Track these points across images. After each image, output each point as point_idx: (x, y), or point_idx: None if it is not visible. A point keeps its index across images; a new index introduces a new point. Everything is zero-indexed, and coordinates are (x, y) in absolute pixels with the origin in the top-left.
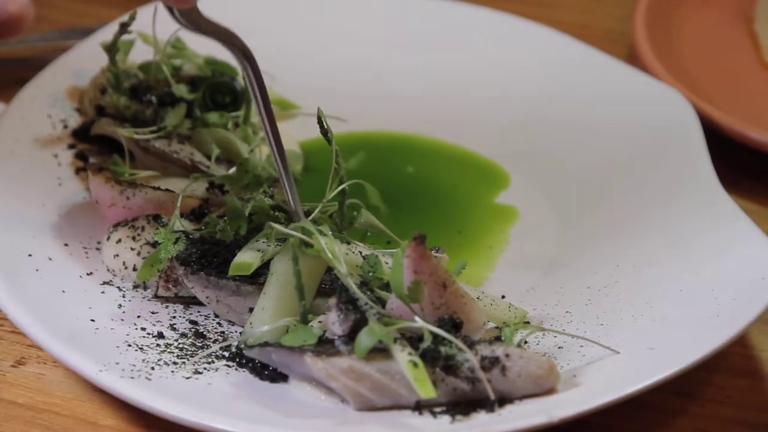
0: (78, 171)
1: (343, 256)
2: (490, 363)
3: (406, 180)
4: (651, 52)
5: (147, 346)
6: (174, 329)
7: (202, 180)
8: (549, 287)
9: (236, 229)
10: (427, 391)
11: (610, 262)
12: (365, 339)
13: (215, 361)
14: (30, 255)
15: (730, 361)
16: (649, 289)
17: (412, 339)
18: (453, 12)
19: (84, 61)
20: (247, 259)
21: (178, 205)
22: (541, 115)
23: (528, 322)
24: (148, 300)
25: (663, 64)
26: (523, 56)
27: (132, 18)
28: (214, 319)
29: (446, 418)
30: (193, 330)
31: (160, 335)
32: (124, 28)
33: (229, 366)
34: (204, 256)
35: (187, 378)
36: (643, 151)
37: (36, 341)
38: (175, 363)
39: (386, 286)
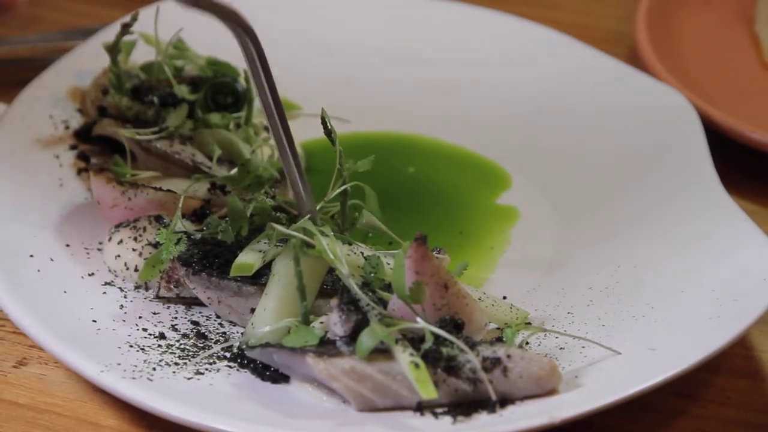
0: (80, 172)
1: (345, 257)
2: (492, 364)
3: (407, 180)
4: (652, 52)
5: (148, 346)
6: (175, 330)
7: (203, 181)
8: (550, 288)
9: (238, 229)
10: (428, 391)
11: (612, 263)
12: (367, 340)
13: (217, 361)
14: (31, 255)
15: (731, 363)
16: (650, 290)
17: (414, 340)
18: (454, 13)
19: (86, 62)
20: (248, 259)
21: (180, 205)
22: (542, 115)
23: (529, 323)
24: (150, 301)
25: (664, 65)
26: (525, 57)
27: (134, 18)
28: (215, 320)
29: (448, 418)
30: (194, 331)
31: (162, 336)
32: (125, 28)
33: (230, 367)
34: (205, 257)
35: (189, 379)
36: (644, 152)
37: (37, 342)
38: (176, 364)
39: (388, 287)
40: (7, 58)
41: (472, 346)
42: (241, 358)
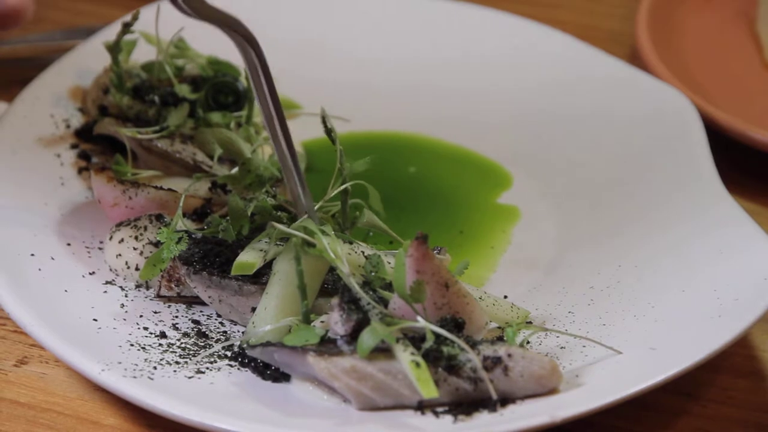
0: (80, 171)
1: (346, 256)
2: (493, 363)
3: (408, 180)
4: (653, 52)
5: (149, 345)
6: (176, 329)
7: (204, 180)
8: (551, 287)
9: (239, 228)
10: (429, 391)
11: (613, 263)
12: (367, 339)
13: (217, 360)
14: (32, 254)
15: (732, 362)
16: (651, 290)
17: (415, 339)
18: (456, 12)
19: (87, 61)
20: (249, 258)
21: (181, 204)
22: (543, 115)
23: (530, 322)
24: (151, 300)
25: (665, 65)
26: (526, 56)
27: (135, 18)
28: (216, 319)
29: (448, 418)
30: (195, 330)
31: (163, 335)
32: (126, 27)
33: (231, 366)
34: (206, 256)
35: (190, 378)
36: (646, 152)
37: (38, 341)
38: (177, 363)
39: (389, 286)
40: (8, 57)
41: (473, 345)
42: (241, 357)
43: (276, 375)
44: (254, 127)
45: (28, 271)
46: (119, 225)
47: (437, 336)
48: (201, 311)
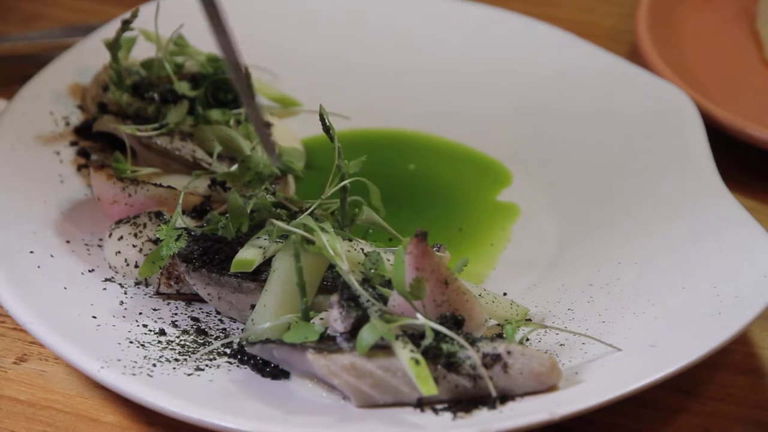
0: (80, 168)
1: (345, 253)
2: (492, 360)
3: (407, 177)
4: (653, 50)
5: (148, 342)
6: (176, 326)
7: (204, 177)
8: (550, 284)
9: (238, 226)
10: (428, 388)
11: (612, 260)
12: (367, 336)
13: (217, 358)
14: (32, 252)
15: (731, 359)
16: (650, 287)
17: (414, 336)
18: (455, 9)
19: (86, 59)
20: (248, 256)
21: (180, 202)
22: (543, 113)
23: (530, 320)
24: (150, 297)
25: (665, 62)
26: (526, 54)
27: (134, 15)
28: (215, 316)
29: (448, 415)
30: (194, 327)
31: (162, 332)
32: (126, 25)
33: (230, 363)
34: (206, 253)
35: (189, 375)
36: (645, 149)
37: (37, 338)
38: (176, 360)
39: (388, 284)
40: (7, 55)
41: (473, 342)
42: (241, 355)
43: (275, 372)
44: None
45: (27, 269)
46: (118, 222)
47: (437, 333)
48: (200, 308)
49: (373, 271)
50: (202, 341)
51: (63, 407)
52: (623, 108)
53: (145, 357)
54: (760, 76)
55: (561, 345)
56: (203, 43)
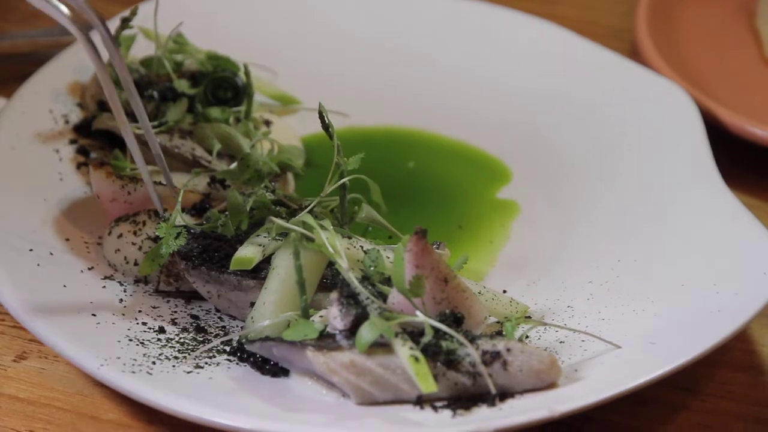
0: (79, 166)
1: (345, 251)
2: (492, 357)
3: (407, 175)
4: (653, 47)
5: (148, 340)
6: (175, 324)
7: (203, 175)
8: (550, 282)
9: (237, 223)
10: (428, 385)
11: (612, 257)
12: (366, 333)
13: (216, 355)
14: (31, 250)
15: (731, 356)
16: (650, 284)
17: (414, 333)
18: (455, 7)
19: (85, 57)
20: (248, 253)
21: (180, 199)
22: (542, 110)
23: (529, 317)
24: (150, 295)
25: (665, 60)
26: (525, 52)
27: (133, 13)
28: (215, 314)
29: (447, 412)
30: (194, 325)
31: (161, 330)
32: (125, 23)
33: (230, 360)
34: (205, 251)
35: (188, 372)
36: (645, 146)
37: (37, 336)
38: (176, 357)
39: (387, 281)
40: (7, 53)
41: (472, 339)
42: (240, 352)
43: (275, 370)
44: (253, 123)
45: (26, 267)
46: (118, 220)
47: (436, 331)
48: (200, 306)
49: (372, 268)
50: (201, 339)
51: (62, 405)
52: (623, 105)
53: (144, 355)
54: (760, 73)
55: (560, 342)
56: (202, 41)
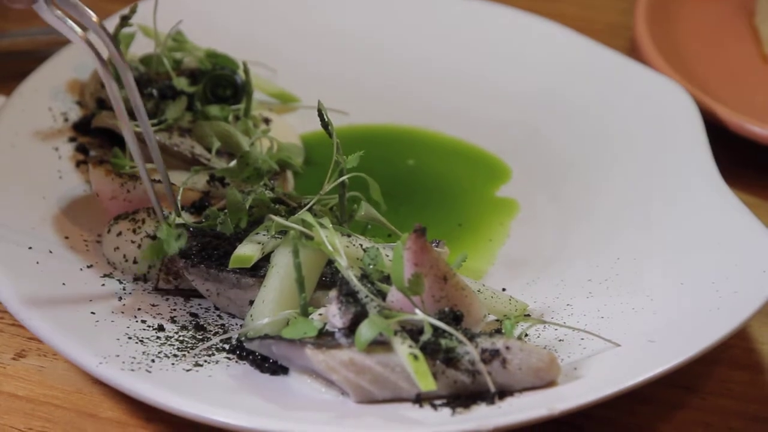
0: (79, 164)
1: (344, 249)
2: (491, 355)
3: (406, 173)
4: (652, 45)
5: (147, 338)
6: (174, 322)
7: (202, 173)
8: (549, 280)
9: (237, 221)
10: (427, 383)
11: (611, 255)
12: (366, 331)
13: (215, 353)
14: (30, 248)
15: (731, 354)
16: (649, 282)
17: (413, 332)
18: (454, 5)
19: (85, 55)
20: (247, 251)
21: (179, 197)
22: (542, 108)
23: (528, 315)
24: (149, 293)
25: (664, 58)
26: (525, 49)
27: (133, 11)
28: (214, 312)
29: (446, 410)
30: (193, 322)
31: (161, 328)
32: (124, 21)
33: (229, 358)
34: (204, 249)
35: (188, 370)
36: (644, 144)
37: (36, 334)
38: (175, 355)
39: (387, 279)
40: (7, 51)
41: (471, 337)
42: (239, 350)
43: (274, 368)
44: (252, 120)
45: (26, 265)
46: (117, 218)
47: (435, 329)
48: (199, 304)
49: (371, 266)
50: (200, 337)
51: (62, 403)
52: (622, 103)
53: (143, 353)
54: (759, 71)
55: (560, 340)
56: (202, 38)
